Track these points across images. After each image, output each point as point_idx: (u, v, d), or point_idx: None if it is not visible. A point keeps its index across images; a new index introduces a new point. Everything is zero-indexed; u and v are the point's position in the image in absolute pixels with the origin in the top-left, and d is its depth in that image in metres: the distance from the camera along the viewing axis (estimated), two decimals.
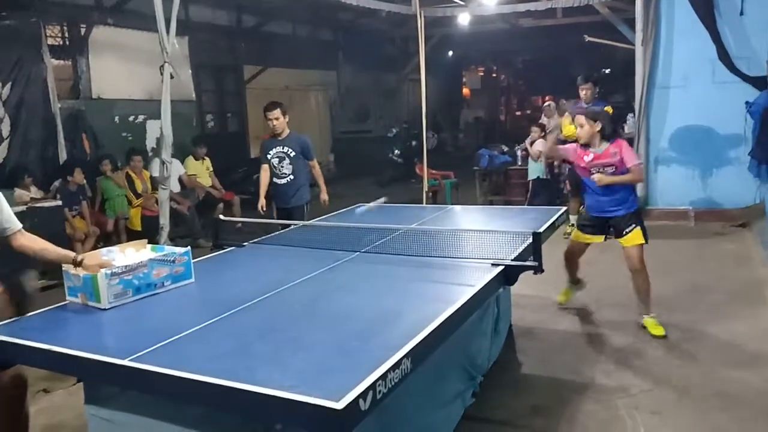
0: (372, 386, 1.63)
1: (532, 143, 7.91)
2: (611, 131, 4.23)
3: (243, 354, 1.97)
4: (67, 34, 8.25)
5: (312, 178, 5.67)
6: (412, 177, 11.51)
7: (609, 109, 6.83)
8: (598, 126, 4.17)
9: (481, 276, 2.64)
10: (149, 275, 2.57)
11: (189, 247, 2.80)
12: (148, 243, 2.91)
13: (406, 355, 1.82)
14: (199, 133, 10.03)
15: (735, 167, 7.43)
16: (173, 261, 2.68)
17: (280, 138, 5.38)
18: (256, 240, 3.75)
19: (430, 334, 2.00)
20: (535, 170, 7.79)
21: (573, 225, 6.96)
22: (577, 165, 4.34)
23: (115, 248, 2.84)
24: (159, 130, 6.71)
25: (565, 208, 4.15)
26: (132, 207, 7.57)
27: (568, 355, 3.93)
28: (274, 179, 5.44)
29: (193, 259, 2.80)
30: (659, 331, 4.10)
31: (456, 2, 10.00)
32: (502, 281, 2.77)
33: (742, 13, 7.19)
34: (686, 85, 7.59)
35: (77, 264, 2.52)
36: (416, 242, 3.27)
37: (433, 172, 9.48)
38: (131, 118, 8.89)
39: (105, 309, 2.40)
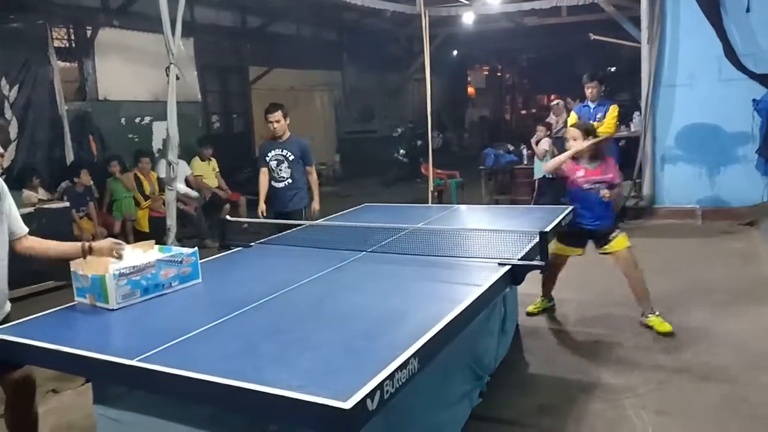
0: (379, 386, 1.63)
1: (537, 142, 7.89)
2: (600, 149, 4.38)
3: (250, 354, 1.97)
4: (73, 36, 8.29)
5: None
6: (417, 177, 11.50)
7: (615, 107, 6.85)
8: (590, 140, 4.22)
9: (487, 275, 2.64)
10: (157, 276, 2.58)
11: (196, 248, 2.81)
12: (156, 244, 2.92)
13: (413, 355, 1.82)
14: (205, 134, 10.06)
15: (742, 165, 7.39)
16: (181, 261, 2.69)
17: (279, 140, 5.28)
18: (262, 240, 3.76)
19: (437, 333, 2.00)
20: (541, 169, 7.77)
21: None
22: (567, 177, 4.36)
23: None
24: (165, 131, 6.72)
25: (571, 207, 4.13)
26: (140, 208, 7.61)
27: (575, 354, 3.92)
28: (272, 182, 5.34)
29: (200, 259, 2.81)
30: (666, 327, 4.09)
31: (460, 1, 9.99)
32: (509, 281, 2.76)
33: (748, 10, 7.15)
34: (692, 83, 7.55)
35: (88, 252, 2.52)
36: (422, 242, 3.27)
37: (439, 171, 9.46)
38: (137, 120, 8.92)
39: (113, 309, 2.41)
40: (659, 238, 6.89)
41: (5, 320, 2.54)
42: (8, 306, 2.63)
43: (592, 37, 9.97)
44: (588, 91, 6.85)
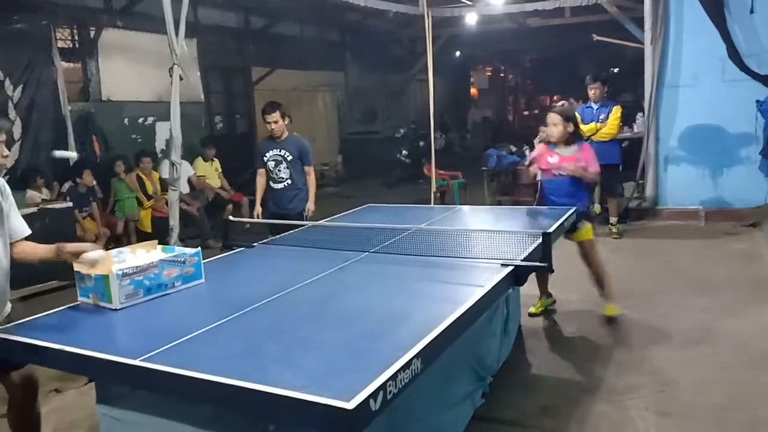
0: (382, 386, 1.63)
1: (541, 143, 7.88)
2: (578, 135, 4.41)
3: (253, 354, 1.97)
4: (77, 37, 8.32)
5: None
6: (420, 177, 11.50)
7: (618, 108, 6.84)
8: (571, 127, 4.24)
9: (490, 276, 2.63)
10: (160, 276, 2.58)
11: (199, 248, 2.81)
12: (159, 244, 2.93)
13: (416, 356, 1.81)
14: (208, 134, 10.08)
15: (745, 166, 7.37)
16: (183, 262, 2.69)
17: (277, 141, 5.12)
18: (265, 240, 3.76)
19: (440, 334, 2.00)
20: None
21: None
22: (538, 166, 4.40)
23: (125, 249, 2.86)
24: (168, 131, 6.74)
25: (574, 208, 4.13)
26: (143, 209, 7.62)
27: (578, 355, 3.92)
28: (271, 183, 5.20)
29: (203, 259, 2.81)
30: (614, 311, 4.32)
31: (463, 2, 9.99)
32: (511, 282, 2.76)
33: (752, 11, 7.13)
34: (696, 84, 7.53)
35: (64, 254, 2.48)
36: (425, 242, 3.27)
37: (441, 172, 9.46)
38: (141, 120, 8.94)
39: (116, 309, 2.42)
40: (662, 239, 6.88)
41: (6, 321, 2.54)
42: (9, 307, 2.63)
43: (596, 38, 9.97)
44: (591, 92, 6.85)
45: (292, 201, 5.16)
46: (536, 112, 21.65)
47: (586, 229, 4.30)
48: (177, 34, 6.25)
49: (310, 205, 5.20)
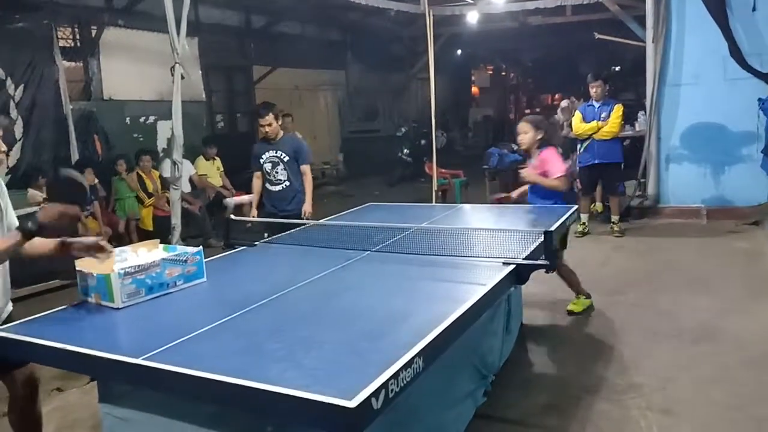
0: (384, 385, 1.62)
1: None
2: (547, 140, 4.33)
3: (255, 353, 1.97)
4: (78, 36, 8.32)
5: None
6: (421, 176, 11.50)
7: (620, 106, 6.83)
8: (540, 134, 4.24)
9: (492, 275, 2.63)
10: (162, 275, 2.58)
11: (201, 247, 2.81)
12: (160, 243, 2.93)
13: (418, 354, 1.81)
14: (209, 133, 10.09)
15: (747, 165, 7.36)
16: (185, 261, 2.69)
17: (272, 141, 5.05)
18: (266, 239, 3.76)
19: (441, 333, 2.00)
20: None
21: (584, 224, 6.96)
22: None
23: (127, 248, 2.86)
24: (170, 130, 6.74)
25: (576, 207, 4.13)
26: (143, 207, 7.62)
27: (580, 354, 3.92)
28: (268, 185, 5.12)
29: (204, 258, 2.81)
30: (578, 307, 4.39)
31: (465, 1, 9.98)
32: (513, 280, 2.75)
33: (754, 9, 7.11)
34: (697, 83, 7.52)
35: (65, 247, 2.48)
36: (427, 241, 3.27)
37: (443, 171, 9.46)
38: (142, 119, 8.95)
39: (118, 308, 2.42)
40: (664, 237, 6.87)
41: (7, 321, 2.54)
42: (10, 306, 2.63)
43: (597, 36, 9.94)
44: (592, 91, 6.85)
45: (290, 203, 5.09)
46: (537, 110, 21.62)
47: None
48: (178, 32, 6.25)
49: (307, 207, 5.08)
